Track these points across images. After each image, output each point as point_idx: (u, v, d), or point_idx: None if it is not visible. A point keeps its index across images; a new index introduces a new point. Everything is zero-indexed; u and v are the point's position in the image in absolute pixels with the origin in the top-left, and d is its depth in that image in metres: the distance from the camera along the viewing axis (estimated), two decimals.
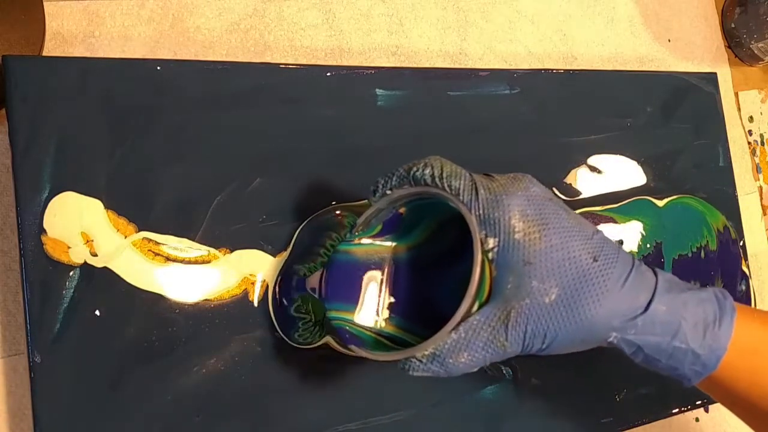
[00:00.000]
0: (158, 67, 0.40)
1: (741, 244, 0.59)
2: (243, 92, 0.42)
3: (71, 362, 0.36)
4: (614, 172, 0.54)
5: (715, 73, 0.60)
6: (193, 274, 0.39)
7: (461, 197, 0.32)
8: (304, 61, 0.48)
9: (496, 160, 0.49)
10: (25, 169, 0.36)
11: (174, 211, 0.39)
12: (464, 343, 0.31)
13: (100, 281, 0.37)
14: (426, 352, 0.31)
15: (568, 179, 0.52)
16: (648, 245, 0.54)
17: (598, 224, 0.52)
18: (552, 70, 0.52)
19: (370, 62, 0.50)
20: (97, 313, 0.37)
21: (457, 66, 0.52)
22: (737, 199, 0.59)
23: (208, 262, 0.40)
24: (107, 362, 0.37)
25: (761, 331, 0.33)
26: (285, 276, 0.41)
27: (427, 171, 0.32)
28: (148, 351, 0.38)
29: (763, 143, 0.67)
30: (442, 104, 0.47)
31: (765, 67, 0.68)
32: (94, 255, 0.37)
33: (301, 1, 0.48)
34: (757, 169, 0.67)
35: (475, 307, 0.31)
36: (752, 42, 0.64)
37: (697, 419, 0.59)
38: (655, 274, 0.33)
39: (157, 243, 0.39)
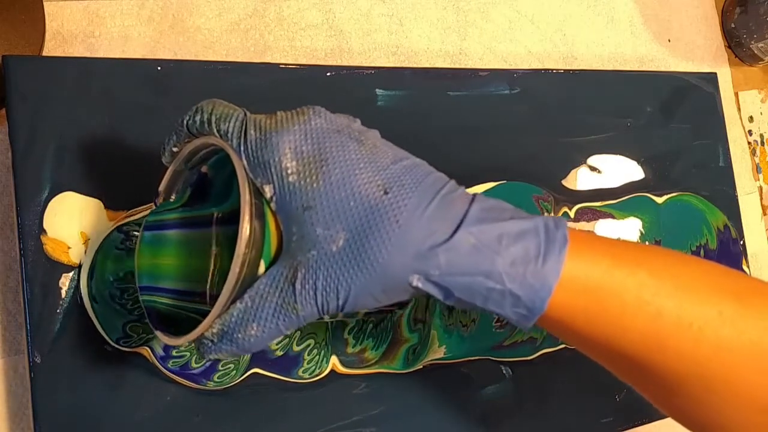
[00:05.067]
0: (158, 67, 0.40)
1: (741, 243, 0.59)
2: (243, 92, 0.42)
3: (71, 362, 0.36)
4: (614, 172, 0.54)
5: (715, 73, 0.60)
6: None
7: (231, 141, 0.27)
8: (304, 61, 0.48)
9: (496, 160, 0.49)
10: (25, 169, 0.36)
11: None
12: (252, 313, 0.26)
13: None
14: (214, 330, 0.27)
15: (568, 179, 0.52)
16: (647, 243, 0.54)
17: (597, 220, 0.52)
18: (552, 70, 0.52)
19: (370, 62, 0.50)
20: None
21: (457, 66, 0.52)
22: (737, 199, 0.59)
23: None
24: (107, 362, 0.37)
25: (601, 264, 0.28)
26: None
27: (198, 117, 0.28)
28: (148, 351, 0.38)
29: (763, 143, 0.67)
30: (442, 104, 0.47)
31: (765, 67, 0.68)
32: None
33: (301, 1, 0.48)
34: (757, 169, 0.67)
35: (262, 269, 0.27)
36: (752, 42, 0.64)
37: None
38: (471, 202, 0.27)
39: None
